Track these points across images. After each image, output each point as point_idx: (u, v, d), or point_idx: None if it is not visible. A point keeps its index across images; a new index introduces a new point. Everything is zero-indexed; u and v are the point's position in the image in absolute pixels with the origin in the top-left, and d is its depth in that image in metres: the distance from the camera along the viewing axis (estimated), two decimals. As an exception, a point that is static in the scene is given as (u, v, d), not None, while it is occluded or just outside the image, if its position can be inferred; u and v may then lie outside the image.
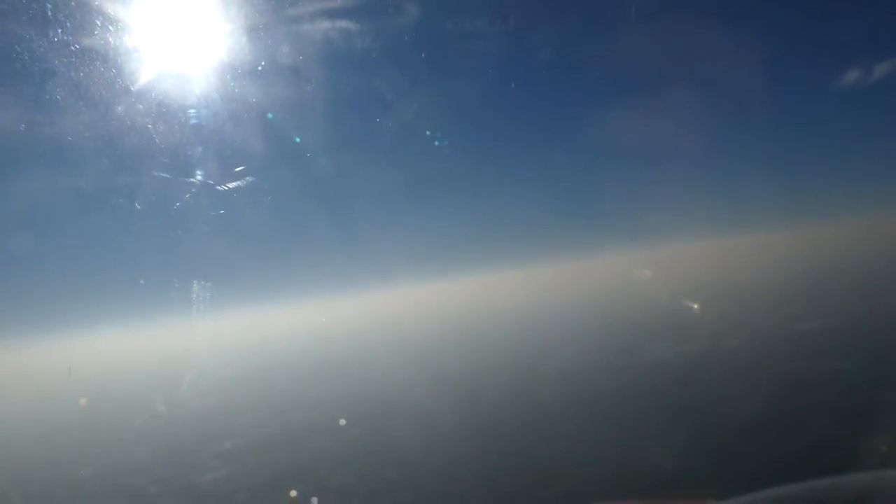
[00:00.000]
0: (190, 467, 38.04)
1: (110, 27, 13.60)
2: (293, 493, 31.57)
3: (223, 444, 43.49)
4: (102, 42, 14.18)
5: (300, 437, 42.79)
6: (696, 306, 65.21)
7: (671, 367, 43.51)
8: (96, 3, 13.04)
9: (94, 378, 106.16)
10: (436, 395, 49.20)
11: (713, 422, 27.62)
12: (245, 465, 37.05)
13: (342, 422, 45.03)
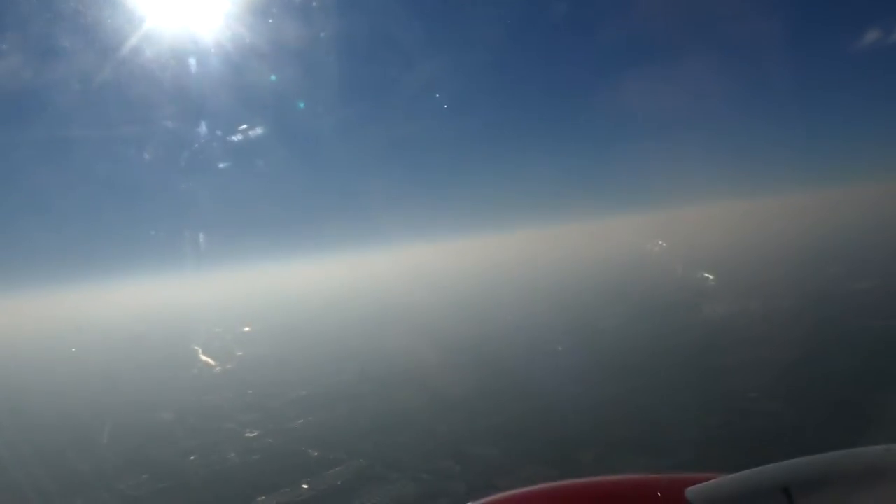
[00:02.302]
0: (274, 413, 38.83)
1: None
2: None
3: (297, 391, 44.23)
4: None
5: (369, 387, 43.38)
6: (741, 266, 65.99)
7: (738, 323, 44.33)
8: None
9: (123, 328, 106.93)
10: (479, 352, 50.22)
11: (820, 376, 28.47)
12: (330, 411, 37.87)
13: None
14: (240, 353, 65.11)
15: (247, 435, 34.65)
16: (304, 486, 25.39)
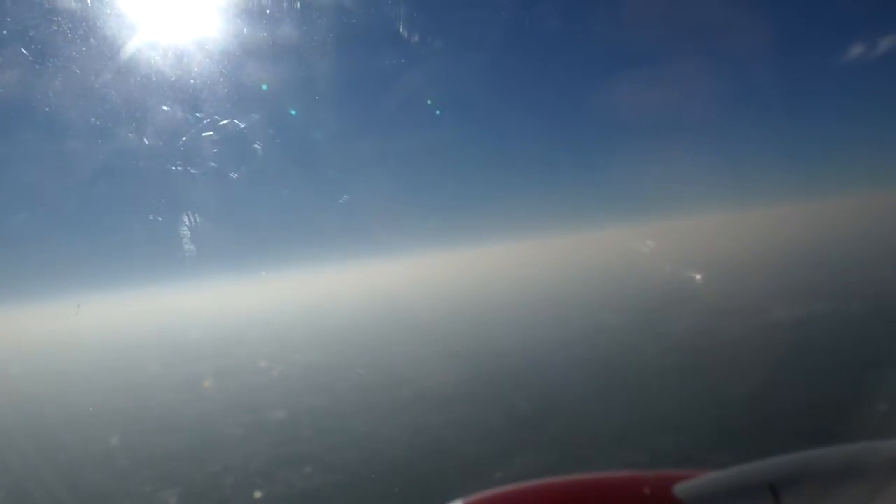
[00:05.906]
0: (394, 413, 38.63)
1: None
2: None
3: (395, 393, 44.08)
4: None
5: (472, 389, 43.40)
6: (785, 273, 67.82)
7: (818, 325, 45.66)
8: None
9: (146, 338, 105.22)
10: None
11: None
12: (451, 412, 37.92)
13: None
14: (297, 357, 65.02)
15: (385, 432, 34.73)
16: (498, 475, 25.70)
